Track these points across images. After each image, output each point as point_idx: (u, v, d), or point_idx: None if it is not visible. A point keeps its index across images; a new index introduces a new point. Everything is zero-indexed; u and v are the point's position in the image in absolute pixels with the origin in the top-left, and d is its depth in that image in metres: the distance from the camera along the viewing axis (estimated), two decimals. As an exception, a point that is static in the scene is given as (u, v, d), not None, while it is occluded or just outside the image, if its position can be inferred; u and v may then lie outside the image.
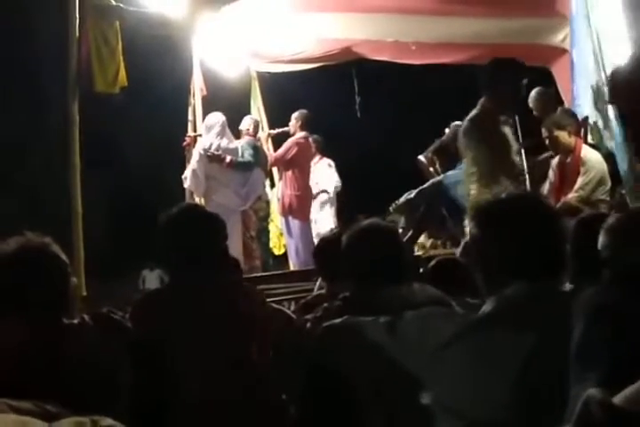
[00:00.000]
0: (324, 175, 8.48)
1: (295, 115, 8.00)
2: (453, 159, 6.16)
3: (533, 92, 6.89)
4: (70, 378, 2.00)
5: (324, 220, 8.36)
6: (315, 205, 8.33)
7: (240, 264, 3.67)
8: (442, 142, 6.26)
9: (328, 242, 3.53)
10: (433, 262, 3.58)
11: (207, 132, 7.45)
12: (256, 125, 8.03)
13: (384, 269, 2.59)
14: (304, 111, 8.03)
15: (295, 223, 7.84)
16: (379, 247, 2.62)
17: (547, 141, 6.01)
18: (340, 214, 8.54)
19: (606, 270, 1.95)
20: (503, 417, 1.73)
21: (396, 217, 6.16)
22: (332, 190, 8.50)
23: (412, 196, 6.09)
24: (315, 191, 8.33)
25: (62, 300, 2.29)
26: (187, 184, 7.36)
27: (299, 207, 7.87)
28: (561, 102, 6.96)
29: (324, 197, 8.45)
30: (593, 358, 1.30)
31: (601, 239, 2.01)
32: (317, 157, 8.51)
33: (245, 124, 7.95)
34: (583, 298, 1.44)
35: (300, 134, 7.92)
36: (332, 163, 8.65)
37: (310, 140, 8.15)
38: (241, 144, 7.65)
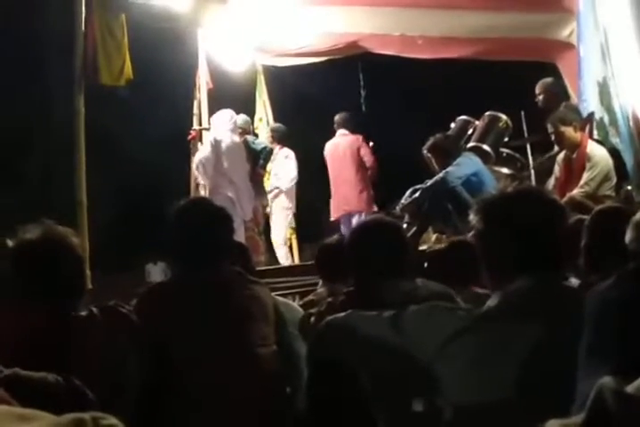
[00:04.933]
0: (281, 167, 8.31)
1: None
2: (449, 156, 6.14)
3: (541, 83, 6.87)
4: (77, 368, 2.01)
5: (276, 213, 8.27)
6: (270, 198, 8.26)
7: (249, 251, 3.68)
8: (436, 140, 6.23)
9: (329, 246, 3.58)
10: (446, 244, 3.65)
11: (219, 127, 7.44)
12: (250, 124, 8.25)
13: (387, 264, 2.59)
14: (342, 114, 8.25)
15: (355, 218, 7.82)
16: (382, 242, 2.62)
17: (552, 137, 6.00)
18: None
19: (631, 264, 1.94)
20: (508, 410, 1.74)
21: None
22: (283, 185, 8.25)
23: (418, 195, 6.09)
24: (273, 183, 8.27)
25: (76, 291, 2.32)
26: (199, 177, 7.36)
27: (355, 201, 7.97)
28: (568, 97, 6.94)
29: (275, 191, 8.24)
30: (604, 354, 1.30)
31: (629, 233, 2.01)
32: (277, 148, 8.30)
33: (245, 121, 8.00)
34: (596, 292, 1.44)
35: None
36: (291, 154, 8.36)
37: (341, 137, 8.22)
38: (250, 140, 7.84)
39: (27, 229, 2.29)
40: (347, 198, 8.10)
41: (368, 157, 8.09)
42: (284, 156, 8.31)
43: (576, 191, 5.56)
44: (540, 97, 6.84)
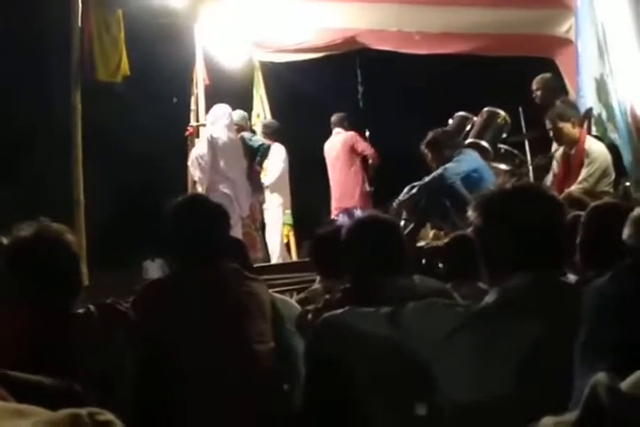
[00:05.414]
0: (269, 164, 8.24)
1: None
2: (447, 152, 6.12)
3: (539, 79, 6.85)
4: (74, 366, 2.00)
5: (269, 210, 8.22)
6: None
7: (246, 248, 3.66)
8: (434, 135, 6.22)
9: (323, 239, 3.53)
10: (447, 239, 3.66)
11: (215, 123, 7.41)
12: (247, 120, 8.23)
13: (384, 261, 2.58)
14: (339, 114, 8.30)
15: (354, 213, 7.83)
16: (379, 239, 2.62)
17: (550, 133, 5.99)
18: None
19: (628, 259, 1.94)
20: (505, 406, 1.73)
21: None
22: (267, 181, 8.13)
23: (415, 191, 6.07)
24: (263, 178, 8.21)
25: (73, 288, 2.31)
26: (195, 173, 7.31)
27: (351, 198, 8.01)
28: (566, 93, 6.94)
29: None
30: (600, 350, 1.30)
31: (627, 229, 2.01)
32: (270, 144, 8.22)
33: (242, 117, 7.97)
34: (593, 288, 1.43)
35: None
36: (278, 150, 8.21)
37: (335, 136, 8.26)
38: (247, 137, 7.76)
39: (21, 227, 2.27)
40: (343, 196, 8.12)
41: (367, 151, 8.10)
42: (272, 153, 8.21)
43: (574, 187, 5.56)
44: (538, 93, 6.83)
